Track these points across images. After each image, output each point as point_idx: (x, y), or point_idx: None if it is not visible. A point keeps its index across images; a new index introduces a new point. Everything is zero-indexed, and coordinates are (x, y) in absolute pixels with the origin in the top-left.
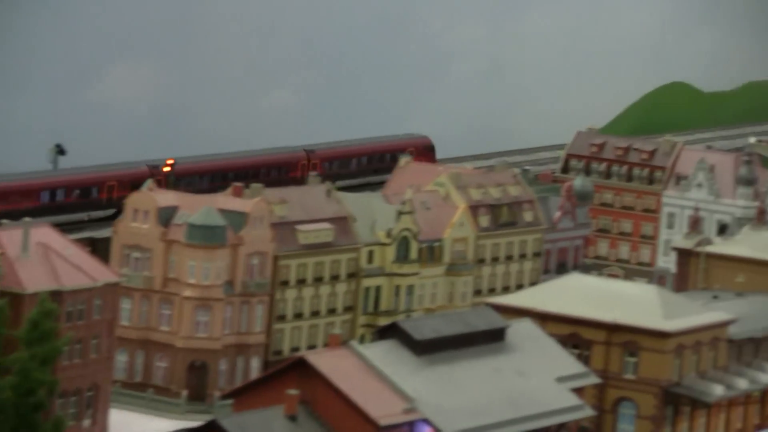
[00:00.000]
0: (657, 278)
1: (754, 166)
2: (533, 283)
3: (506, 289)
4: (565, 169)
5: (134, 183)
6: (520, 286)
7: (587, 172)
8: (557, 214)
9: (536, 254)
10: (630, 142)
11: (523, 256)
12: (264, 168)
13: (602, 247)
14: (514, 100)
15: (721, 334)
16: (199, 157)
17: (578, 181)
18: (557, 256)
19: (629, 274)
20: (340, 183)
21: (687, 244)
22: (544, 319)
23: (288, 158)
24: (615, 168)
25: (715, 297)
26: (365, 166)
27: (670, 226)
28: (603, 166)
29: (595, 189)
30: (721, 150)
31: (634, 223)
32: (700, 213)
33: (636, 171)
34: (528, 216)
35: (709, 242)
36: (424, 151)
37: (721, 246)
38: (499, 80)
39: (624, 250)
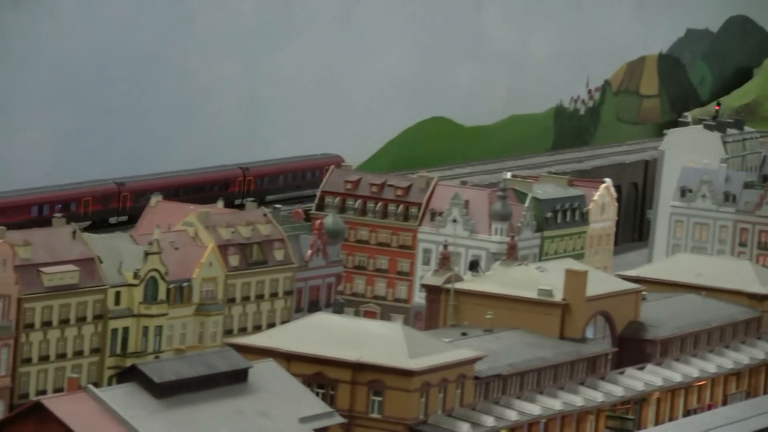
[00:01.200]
0: (414, 314)
1: (508, 201)
2: (285, 322)
3: (258, 329)
4: (320, 207)
5: None
6: (272, 325)
7: (342, 209)
8: (308, 252)
9: (288, 293)
10: (385, 178)
11: (274, 294)
12: (207, 184)
13: (359, 284)
14: (272, 137)
15: (468, 372)
16: (152, 176)
17: (329, 219)
18: (309, 294)
19: (386, 311)
20: (271, 197)
21: (435, 280)
22: (288, 359)
23: (226, 175)
24: (370, 205)
25: (464, 334)
26: (291, 182)
27: (426, 262)
28: (358, 203)
29: (351, 226)
30: (476, 185)
31: (390, 260)
32: (455, 249)
33: (391, 207)
34: (279, 254)
35: (459, 279)
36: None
37: (470, 282)
38: (256, 116)
39: (380, 287)
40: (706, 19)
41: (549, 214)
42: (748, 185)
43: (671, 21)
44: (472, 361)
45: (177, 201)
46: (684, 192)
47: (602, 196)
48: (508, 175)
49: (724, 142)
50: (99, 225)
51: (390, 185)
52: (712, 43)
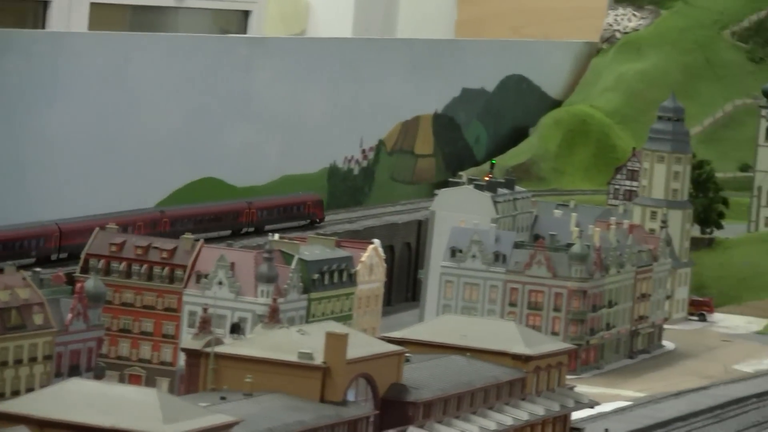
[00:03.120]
0: (179, 378)
1: (274, 263)
2: (45, 387)
3: (16, 394)
4: (85, 270)
5: None
6: (31, 390)
7: (108, 271)
8: (69, 316)
9: (47, 357)
10: (150, 241)
11: (33, 359)
12: (217, 215)
13: (123, 348)
14: (37, 202)
15: None
16: (188, 206)
17: (90, 282)
18: (70, 358)
19: (151, 375)
20: (269, 226)
21: (195, 344)
22: (41, 425)
23: (235, 208)
24: (135, 267)
25: (223, 398)
26: (282, 214)
27: (192, 325)
28: (123, 266)
29: (116, 289)
30: (243, 247)
31: (156, 323)
32: (221, 311)
33: (156, 270)
34: (38, 319)
35: (220, 342)
36: (318, 205)
37: (230, 346)
38: (19, 178)
39: (146, 350)
40: (481, 78)
41: (316, 276)
42: (518, 245)
43: (446, 80)
44: (228, 426)
45: None
46: (454, 252)
47: (370, 257)
48: (276, 236)
49: (495, 202)
50: None
51: (155, 247)
52: (487, 102)
